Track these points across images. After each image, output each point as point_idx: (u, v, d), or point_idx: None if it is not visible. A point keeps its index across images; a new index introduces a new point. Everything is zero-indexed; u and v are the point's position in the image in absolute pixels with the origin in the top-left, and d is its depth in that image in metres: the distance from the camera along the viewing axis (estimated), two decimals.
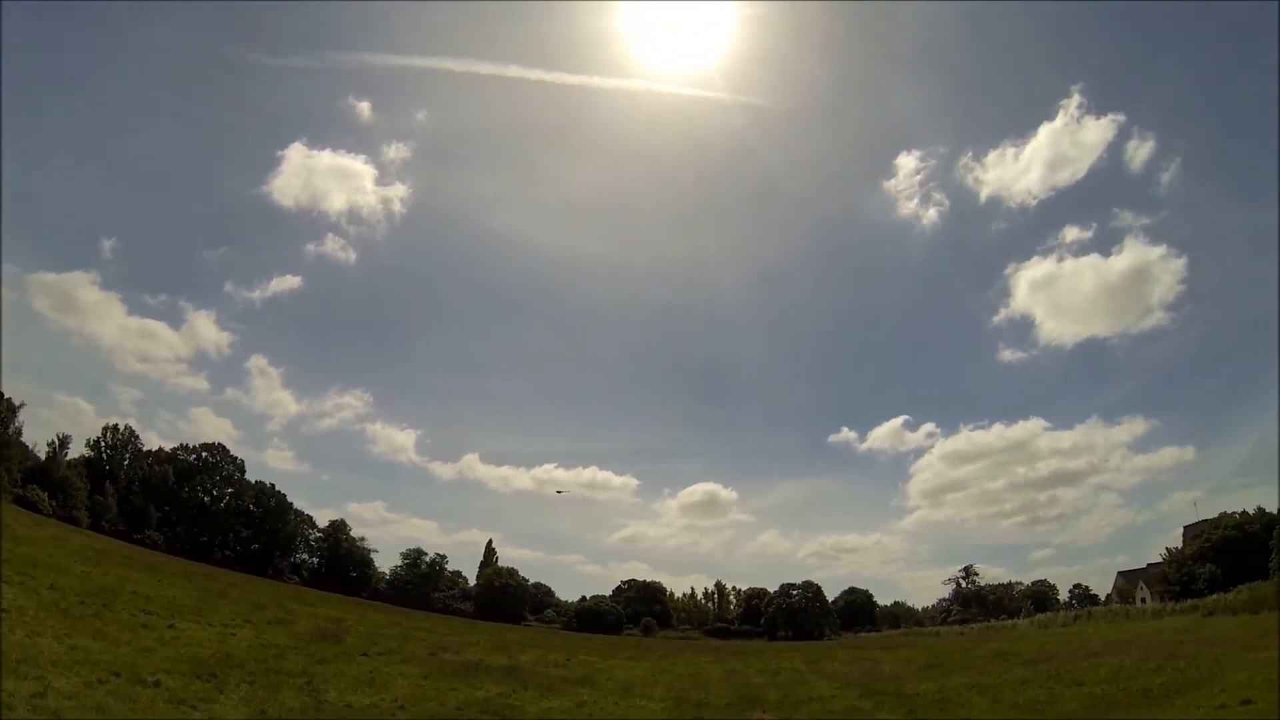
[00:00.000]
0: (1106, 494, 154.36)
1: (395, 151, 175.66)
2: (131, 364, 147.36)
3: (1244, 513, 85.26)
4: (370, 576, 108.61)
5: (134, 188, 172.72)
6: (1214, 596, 62.94)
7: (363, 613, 56.72)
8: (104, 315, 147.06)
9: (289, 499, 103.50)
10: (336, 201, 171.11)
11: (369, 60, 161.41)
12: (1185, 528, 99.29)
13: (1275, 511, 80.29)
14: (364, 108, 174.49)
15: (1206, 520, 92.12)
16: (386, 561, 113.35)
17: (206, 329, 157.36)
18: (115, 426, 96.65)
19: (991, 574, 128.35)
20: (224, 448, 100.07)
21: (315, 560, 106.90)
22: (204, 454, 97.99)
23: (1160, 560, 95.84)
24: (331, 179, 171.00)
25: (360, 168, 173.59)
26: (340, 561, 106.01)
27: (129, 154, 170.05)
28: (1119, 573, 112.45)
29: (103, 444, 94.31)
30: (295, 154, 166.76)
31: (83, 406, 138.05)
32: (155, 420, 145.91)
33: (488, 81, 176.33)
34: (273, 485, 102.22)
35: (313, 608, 48.69)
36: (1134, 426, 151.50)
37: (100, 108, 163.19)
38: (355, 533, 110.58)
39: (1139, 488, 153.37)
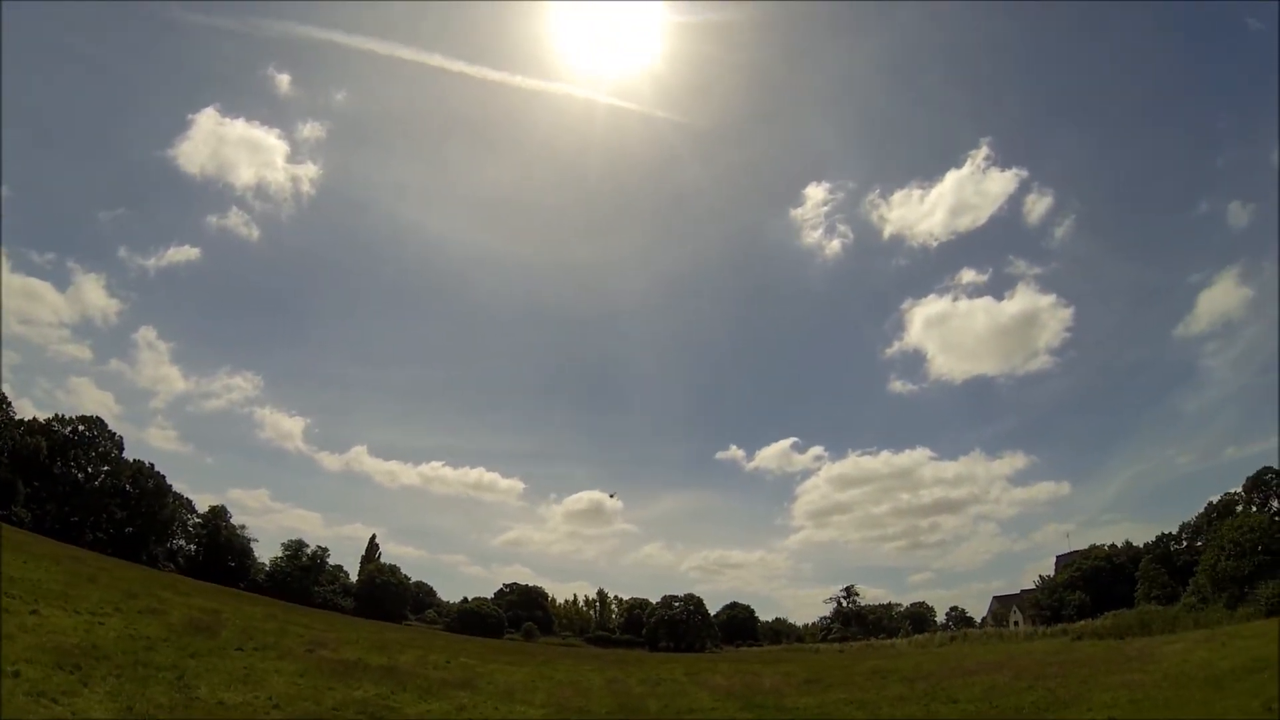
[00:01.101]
0: (985, 523, 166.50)
1: (310, 130, 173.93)
2: (11, 325, 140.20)
3: (1112, 545, 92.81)
4: (249, 567, 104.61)
5: (32, 134, 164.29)
6: (1082, 622, 67.64)
7: (240, 605, 54.77)
8: None
9: (168, 481, 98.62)
10: (244, 174, 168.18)
11: (293, 30, 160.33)
12: (1057, 557, 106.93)
13: (1141, 546, 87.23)
14: (283, 80, 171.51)
15: (1077, 551, 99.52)
16: (267, 552, 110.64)
17: (94, 294, 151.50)
18: None
19: (872, 594, 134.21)
20: (103, 422, 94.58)
21: (193, 547, 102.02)
22: (80, 427, 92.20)
23: (1033, 587, 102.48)
24: (242, 150, 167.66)
25: (273, 142, 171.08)
26: (219, 550, 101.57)
27: (30, 97, 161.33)
28: (994, 597, 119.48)
29: None
30: (207, 119, 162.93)
31: None
32: (31, 388, 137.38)
33: (410, 68, 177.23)
34: (152, 465, 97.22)
35: (187, 597, 46.73)
36: (1014, 461, 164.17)
37: (7, 45, 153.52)
38: (236, 520, 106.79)
39: (1016, 518, 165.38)
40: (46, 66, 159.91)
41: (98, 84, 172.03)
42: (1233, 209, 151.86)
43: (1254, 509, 72.54)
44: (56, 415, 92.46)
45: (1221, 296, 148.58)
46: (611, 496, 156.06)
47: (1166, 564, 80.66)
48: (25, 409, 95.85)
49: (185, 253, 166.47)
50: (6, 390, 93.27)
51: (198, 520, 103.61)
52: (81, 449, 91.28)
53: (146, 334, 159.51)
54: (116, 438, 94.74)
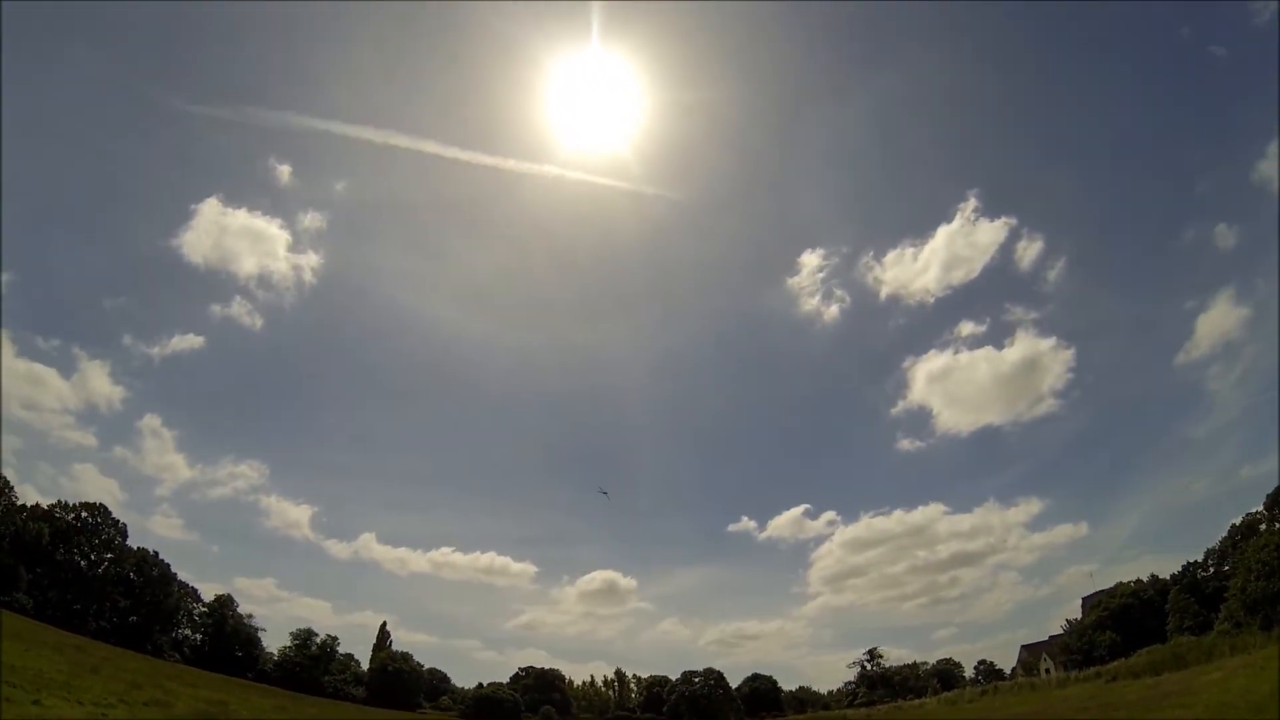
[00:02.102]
0: (1006, 572, 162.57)
1: (311, 220, 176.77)
2: (14, 409, 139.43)
3: (1138, 581, 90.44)
4: (257, 656, 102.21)
5: (39, 221, 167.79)
6: (1116, 662, 65.26)
7: (247, 695, 53.35)
8: None
9: (173, 570, 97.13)
10: (247, 264, 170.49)
11: (291, 121, 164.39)
12: (1083, 599, 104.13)
13: (1167, 577, 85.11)
14: (284, 171, 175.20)
15: (1103, 590, 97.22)
16: (275, 641, 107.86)
17: (99, 381, 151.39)
18: None
19: (896, 655, 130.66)
20: (106, 509, 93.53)
21: (198, 637, 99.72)
22: (84, 514, 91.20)
23: (1061, 631, 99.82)
24: (244, 240, 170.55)
25: (275, 232, 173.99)
26: (225, 639, 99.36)
27: (38, 184, 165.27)
28: (1022, 646, 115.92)
29: None
30: (210, 209, 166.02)
31: None
32: (34, 473, 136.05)
33: (406, 155, 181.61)
34: (156, 554, 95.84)
35: (193, 688, 45.51)
36: (1029, 507, 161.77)
37: (14, 132, 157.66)
38: (243, 609, 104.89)
39: (1036, 564, 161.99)
40: (51, 152, 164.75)
41: (102, 171, 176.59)
42: (1219, 231, 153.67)
43: (1278, 526, 71.07)
44: (59, 502, 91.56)
45: (1219, 319, 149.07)
46: (604, 494, 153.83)
47: (1195, 593, 78.73)
48: (28, 495, 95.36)
49: (189, 341, 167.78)
50: (9, 475, 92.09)
51: (203, 609, 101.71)
52: (85, 536, 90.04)
53: (151, 421, 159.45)
54: (120, 525, 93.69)
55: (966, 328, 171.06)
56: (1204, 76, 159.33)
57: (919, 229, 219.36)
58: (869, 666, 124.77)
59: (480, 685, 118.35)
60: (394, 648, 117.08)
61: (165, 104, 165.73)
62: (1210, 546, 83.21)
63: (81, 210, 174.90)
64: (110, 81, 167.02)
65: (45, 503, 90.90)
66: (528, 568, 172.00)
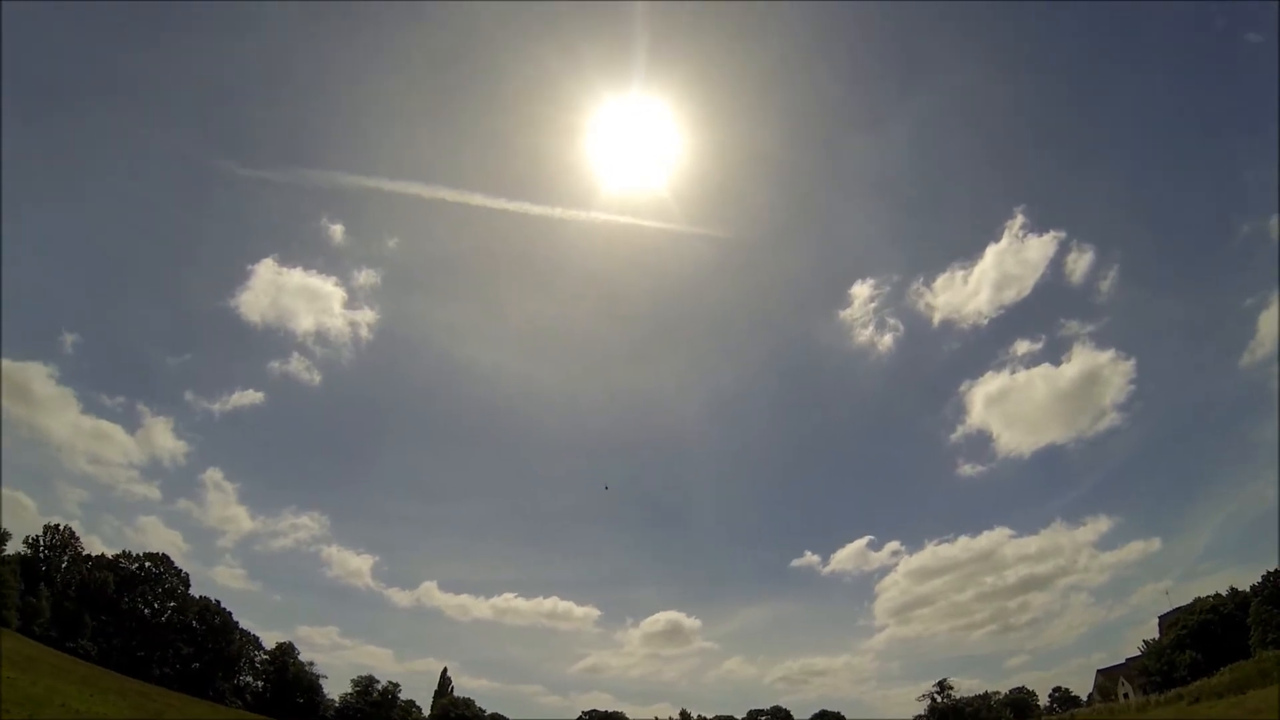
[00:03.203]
0: (1077, 594, 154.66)
1: (365, 277, 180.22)
2: (81, 464, 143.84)
3: (1217, 595, 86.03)
4: (318, 704, 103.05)
5: (103, 283, 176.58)
6: (1198, 682, 62.10)
7: None
8: (58, 410, 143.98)
9: (235, 618, 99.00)
10: (304, 322, 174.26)
11: (341, 180, 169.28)
12: (1160, 618, 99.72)
13: (1247, 590, 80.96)
14: (337, 230, 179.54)
15: (1180, 608, 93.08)
16: (337, 689, 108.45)
17: (163, 436, 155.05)
18: (56, 526, 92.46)
19: (966, 686, 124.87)
20: (169, 559, 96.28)
21: (260, 684, 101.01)
22: (147, 564, 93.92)
23: (1139, 653, 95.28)
24: (300, 299, 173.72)
25: (330, 289, 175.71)
26: (287, 686, 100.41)
27: (102, 247, 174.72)
28: (1098, 671, 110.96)
29: (41, 543, 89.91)
30: (265, 269, 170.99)
31: (24, 502, 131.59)
32: (100, 525, 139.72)
33: (454, 209, 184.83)
34: (218, 602, 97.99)
35: None
36: (1098, 525, 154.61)
37: (79, 197, 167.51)
38: (304, 657, 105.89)
39: (1109, 584, 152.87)
40: (118, 217, 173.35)
41: (165, 235, 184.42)
42: (1273, 224, 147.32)
43: None
44: (124, 552, 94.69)
45: None
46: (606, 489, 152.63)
47: (1278, 604, 74.80)
48: (94, 545, 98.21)
49: (249, 396, 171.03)
50: (75, 527, 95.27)
51: (265, 657, 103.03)
52: (149, 585, 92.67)
53: (214, 475, 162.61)
54: (183, 575, 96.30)
55: (1022, 346, 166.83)
56: (1242, 65, 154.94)
57: (968, 250, 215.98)
58: (939, 699, 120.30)
59: None
60: (456, 693, 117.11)
61: (221, 168, 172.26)
62: None
63: (144, 272, 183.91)
64: (172, 148, 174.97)
65: (110, 553, 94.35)
66: (591, 611, 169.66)
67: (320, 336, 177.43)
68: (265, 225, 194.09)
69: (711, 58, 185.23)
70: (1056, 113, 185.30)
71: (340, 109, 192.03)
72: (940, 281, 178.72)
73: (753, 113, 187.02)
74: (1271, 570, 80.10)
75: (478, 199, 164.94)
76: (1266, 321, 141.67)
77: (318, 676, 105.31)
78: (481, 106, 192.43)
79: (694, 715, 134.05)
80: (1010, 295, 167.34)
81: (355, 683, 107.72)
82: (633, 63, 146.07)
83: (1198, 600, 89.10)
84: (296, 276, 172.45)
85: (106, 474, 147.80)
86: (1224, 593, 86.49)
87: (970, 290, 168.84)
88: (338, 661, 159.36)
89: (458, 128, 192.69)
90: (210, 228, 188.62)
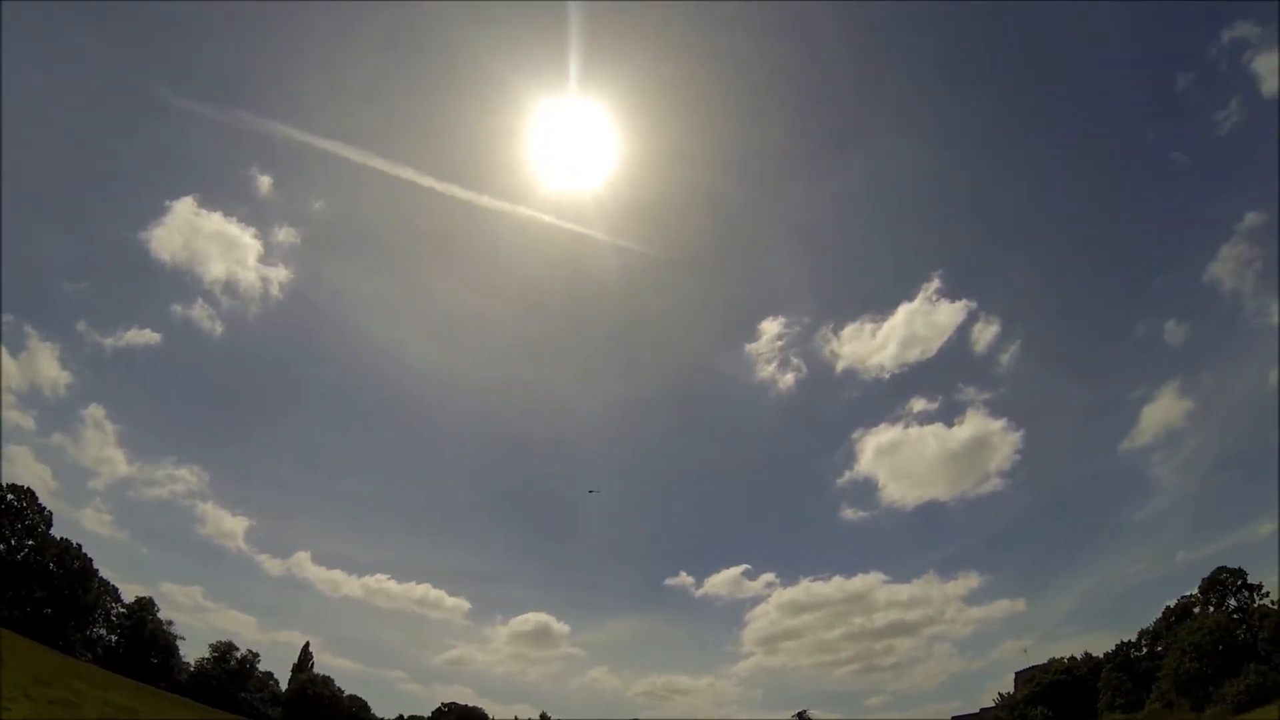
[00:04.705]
0: (941, 643, 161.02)
1: (286, 235, 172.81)
2: None
3: (1072, 658, 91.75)
4: (173, 665, 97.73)
5: (7, 195, 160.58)
6: None
7: (158, 705, 50.88)
8: None
9: (96, 566, 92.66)
10: (215, 269, 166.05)
11: (277, 130, 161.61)
12: (1016, 673, 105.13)
13: (1101, 655, 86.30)
14: (265, 181, 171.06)
15: (1036, 666, 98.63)
16: (194, 651, 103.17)
17: (47, 363, 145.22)
18: None
19: (825, 719, 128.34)
20: (33, 494, 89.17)
21: (114, 638, 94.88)
22: (10, 496, 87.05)
23: (993, 704, 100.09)
24: (216, 244, 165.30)
25: (248, 240, 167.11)
26: (142, 644, 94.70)
27: (12, 160, 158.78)
28: (953, 717, 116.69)
29: None
30: (184, 208, 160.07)
31: None
32: None
33: (384, 180, 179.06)
34: (80, 547, 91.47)
35: (103, 691, 43.10)
36: (969, 581, 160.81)
37: None
38: (164, 615, 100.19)
39: (972, 637, 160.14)
40: (36, 129, 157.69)
41: (84, 155, 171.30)
42: (1169, 328, 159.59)
43: (1211, 609, 72.80)
44: None
45: (1164, 409, 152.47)
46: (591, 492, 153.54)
47: (1128, 672, 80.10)
48: None
49: (145, 336, 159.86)
50: None
51: (122, 610, 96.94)
52: (7, 519, 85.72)
53: (95, 412, 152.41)
54: (46, 513, 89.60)
55: (919, 404, 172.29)
56: (1165, 180, 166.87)
57: (880, 305, 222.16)
58: None
59: (400, 717, 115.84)
60: (316, 670, 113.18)
61: (154, 94, 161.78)
62: (1144, 627, 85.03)
63: (52, 187, 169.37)
64: (100, 64, 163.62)
65: None
66: (461, 603, 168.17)
67: (229, 287, 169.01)
68: (191, 162, 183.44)
69: (657, 78, 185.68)
70: (989, 191, 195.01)
71: (287, 60, 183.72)
72: (849, 330, 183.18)
73: (693, 138, 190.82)
74: (1125, 640, 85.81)
75: (409, 173, 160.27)
76: (1149, 414, 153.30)
77: (175, 637, 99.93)
78: (425, 86, 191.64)
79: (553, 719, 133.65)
80: (915, 354, 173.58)
81: (213, 648, 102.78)
82: (570, 65, 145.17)
83: (1053, 660, 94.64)
84: (215, 221, 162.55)
85: None
86: (1079, 656, 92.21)
87: (877, 344, 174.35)
88: (198, 624, 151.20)
89: (399, 102, 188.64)
90: (132, 153, 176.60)
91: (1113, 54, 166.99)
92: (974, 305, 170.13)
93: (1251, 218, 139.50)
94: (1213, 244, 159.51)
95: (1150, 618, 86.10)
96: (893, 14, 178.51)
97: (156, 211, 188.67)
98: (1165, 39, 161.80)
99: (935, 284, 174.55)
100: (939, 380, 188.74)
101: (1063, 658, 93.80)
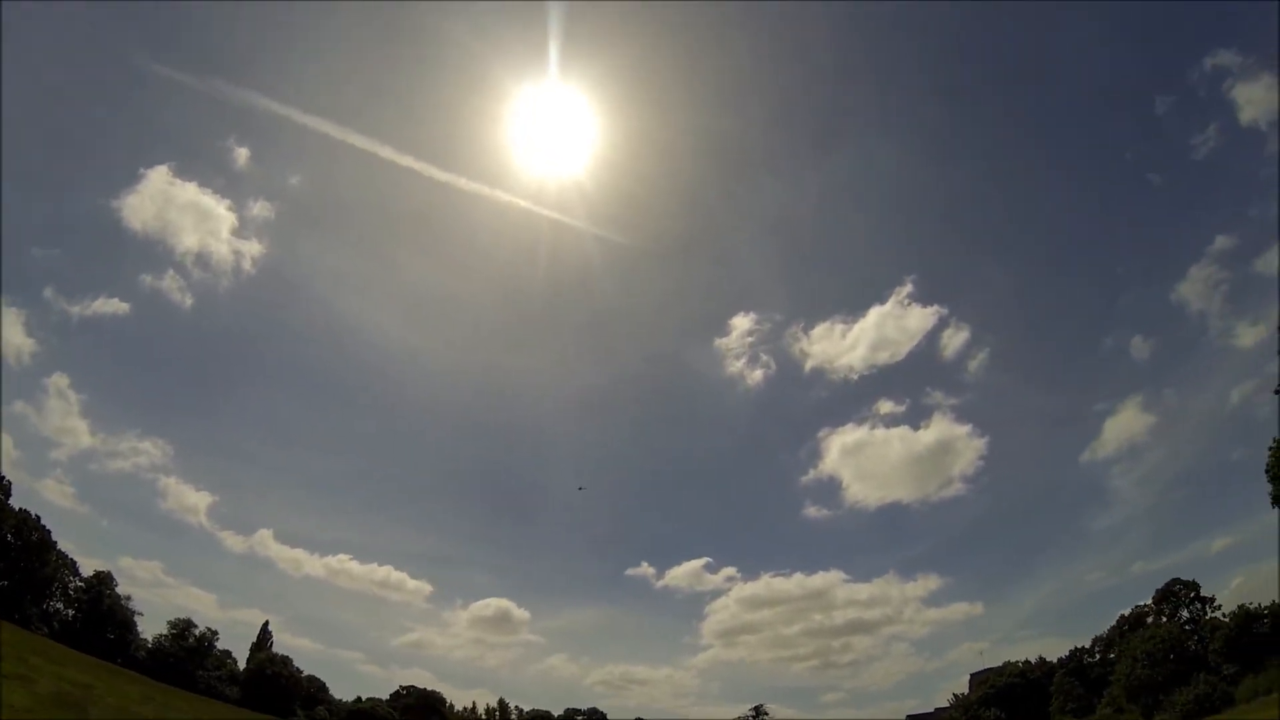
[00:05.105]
0: (899, 642, 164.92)
1: (261, 209, 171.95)
2: None
3: (1026, 661, 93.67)
4: (130, 642, 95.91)
5: None
6: None
7: (115, 682, 50.15)
8: None
9: (54, 538, 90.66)
10: (188, 240, 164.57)
11: (256, 102, 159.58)
12: (972, 675, 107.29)
13: (1054, 660, 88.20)
14: (242, 153, 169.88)
15: (991, 668, 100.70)
16: (152, 628, 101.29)
17: (12, 329, 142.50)
18: None
19: (782, 714, 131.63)
20: None
21: (71, 612, 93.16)
22: None
23: (947, 705, 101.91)
24: (189, 215, 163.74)
25: (222, 212, 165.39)
26: (100, 619, 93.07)
27: None
28: (908, 716, 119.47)
29: None
30: (159, 177, 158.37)
31: None
32: None
33: (362, 157, 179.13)
34: (38, 518, 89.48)
35: (60, 667, 42.43)
36: (928, 583, 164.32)
37: None
38: (123, 590, 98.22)
39: (929, 637, 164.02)
40: (5, 93, 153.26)
41: (56, 120, 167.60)
42: (1135, 343, 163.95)
43: (1164, 619, 74.62)
44: None
45: (1126, 423, 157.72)
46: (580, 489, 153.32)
47: (1080, 677, 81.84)
48: None
49: (114, 305, 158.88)
50: None
51: (80, 584, 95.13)
52: None
53: (59, 381, 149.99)
54: (5, 483, 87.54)
55: (885, 406, 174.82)
56: (1140, 199, 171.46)
57: (852, 307, 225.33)
58: None
59: (359, 699, 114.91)
60: (274, 650, 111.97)
61: (134, 60, 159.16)
62: (1098, 634, 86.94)
63: (26, 151, 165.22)
64: (80, 28, 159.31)
65: None
66: (423, 586, 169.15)
67: (201, 259, 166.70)
68: (169, 131, 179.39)
69: (639, 69, 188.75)
70: (967, 199, 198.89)
71: (270, 32, 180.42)
72: (819, 330, 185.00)
73: (674, 131, 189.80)
74: (1080, 646, 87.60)
75: (388, 152, 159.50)
76: (1112, 426, 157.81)
77: (133, 613, 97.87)
78: (407, 67, 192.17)
79: (511, 706, 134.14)
80: (884, 357, 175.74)
81: (172, 624, 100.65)
82: (550, 52, 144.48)
83: (1008, 664, 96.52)
84: (190, 191, 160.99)
85: None
86: (1033, 660, 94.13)
87: (847, 345, 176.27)
88: (157, 599, 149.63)
89: (380, 81, 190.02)
90: (109, 119, 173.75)
91: (1096, 73, 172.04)
92: (945, 311, 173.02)
93: (1222, 241, 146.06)
94: (1183, 264, 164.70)
95: (1104, 625, 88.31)
96: (880, 18, 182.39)
97: (130, 179, 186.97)
98: (1149, 61, 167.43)
99: (908, 288, 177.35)
100: (907, 384, 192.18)
101: (1017, 661, 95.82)
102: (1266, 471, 45.29)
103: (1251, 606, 66.04)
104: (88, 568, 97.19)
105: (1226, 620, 67.44)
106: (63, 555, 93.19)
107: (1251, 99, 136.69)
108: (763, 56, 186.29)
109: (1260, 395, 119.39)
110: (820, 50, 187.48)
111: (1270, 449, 44.95)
